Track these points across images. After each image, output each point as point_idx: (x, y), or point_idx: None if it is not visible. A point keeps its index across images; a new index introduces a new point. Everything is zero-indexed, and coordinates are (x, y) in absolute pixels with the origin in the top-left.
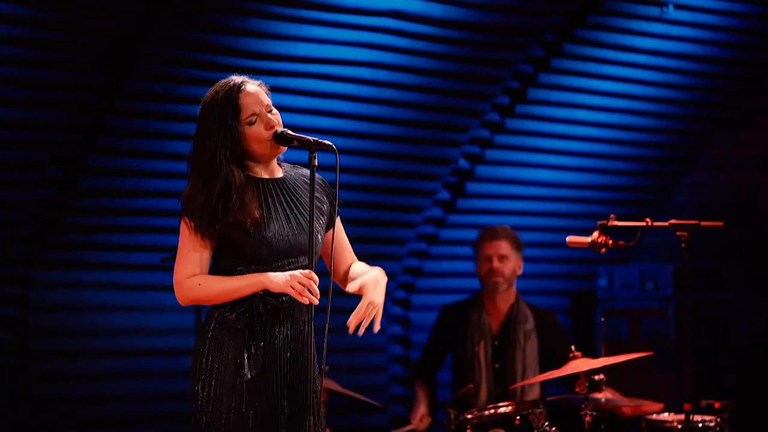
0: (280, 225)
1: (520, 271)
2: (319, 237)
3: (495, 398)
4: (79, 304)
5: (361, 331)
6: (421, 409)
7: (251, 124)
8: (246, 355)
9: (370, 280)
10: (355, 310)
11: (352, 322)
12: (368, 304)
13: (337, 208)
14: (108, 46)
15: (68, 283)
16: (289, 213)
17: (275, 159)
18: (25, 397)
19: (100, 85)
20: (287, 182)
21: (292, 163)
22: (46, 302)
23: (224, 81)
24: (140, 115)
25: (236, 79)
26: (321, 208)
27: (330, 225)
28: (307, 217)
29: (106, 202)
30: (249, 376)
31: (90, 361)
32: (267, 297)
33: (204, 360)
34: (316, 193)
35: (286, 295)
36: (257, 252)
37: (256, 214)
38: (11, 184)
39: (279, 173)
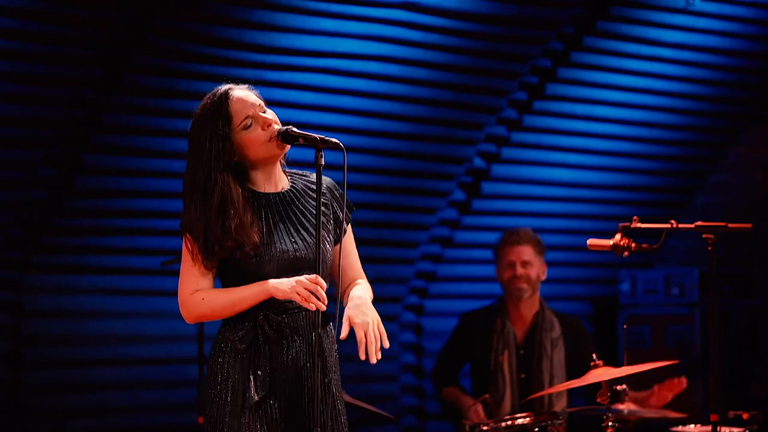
0: (283, 243)
1: (544, 276)
2: (328, 248)
3: (520, 410)
4: (75, 311)
5: (378, 355)
6: (470, 400)
7: (247, 128)
8: (252, 377)
9: (352, 312)
10: (358, 341)
11: (361, 352)
12: (365, 330)
13: (346, 214)
14: (104, 39)
15: (63, 288)
16: (292, 229)
17: (278, 167)
18: (18, 409)
19: (97, 80)
20: (291, 195)
21: (300, 171)
22: (40, 308)
23: (209, 94)
24: (139, 111)
25: (221, 87)
26: (328, 216)
27: (338, 237)
28: (305, 232)
29: (103, 203)
30: (256, 398)
31: (86, 371)
32: (271, 315)
33: (212, 386)
34: (324, 199)
35: (292, 311)
36: (261, 272)
37: (256, 237)
38: (2, 184)
39: (282, 184)
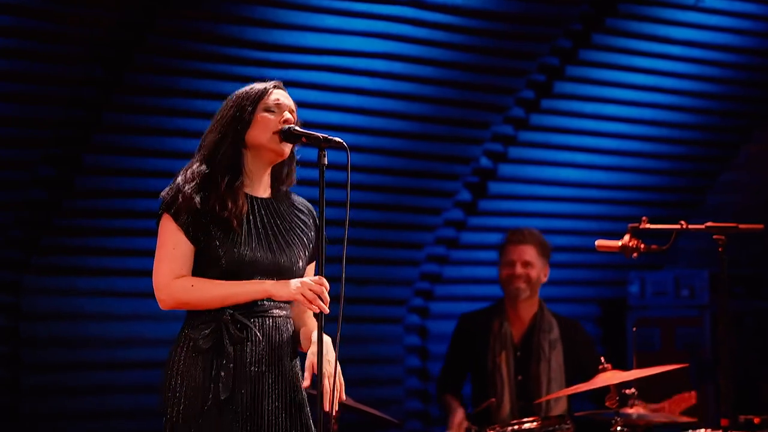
0: (257, 244)
1: (545, 279)
2: (300, 264)
3: (518, 413)
4: (74, 313)
5: (335, 406)
6: (459, 415)
7: (267, 110)
8: (215, 378)
9: (316, 359)
10: (322, 390)
11: (326, 403)
12: (329, 380)
13: (323, 246)
14: (104, 37)
15: (62, 289)
16: (270, 233)
17: (268, 177)
18: (17, 412)
19: (97, 78)
20: (274, 204)
21: (292, 193)
22: (39, 310)
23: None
24: (139, 110)
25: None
26: (308, 235)
27: (312, 256)
28: (282, 246)
29: (102, 203)
30: (220, 398)
31: (86, 374)
32: (237, 315)
33: (171, 386)
34: (304, 218)
35: (260, 314)
36: (232, 266)
37: (245, 208)
38: (2, 185)
39: (267, 193)
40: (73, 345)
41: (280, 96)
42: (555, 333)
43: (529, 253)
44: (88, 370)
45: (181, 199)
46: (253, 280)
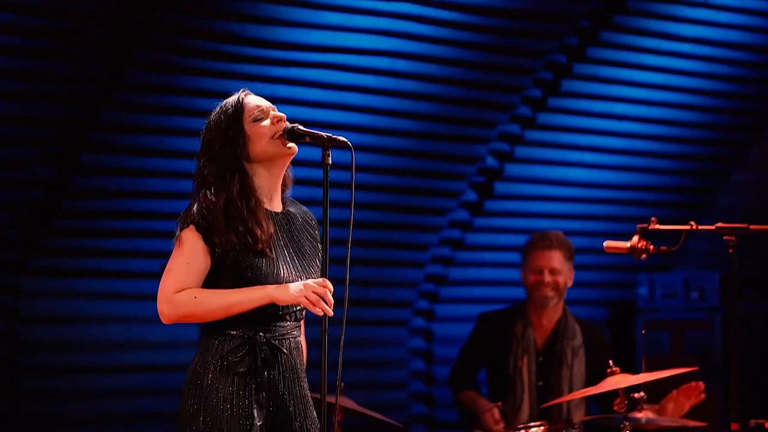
0: (285, 265)
1: (570, 283)
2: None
3: (538, 418)
4: (72, 315)
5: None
6: (495, 414)
7: (257, 120)
8: (253, 403)
9: None
10: None
11: None
12: None
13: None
14: (105, 35)
15: (60, 292)
16: (293, 253)
17: (280, 186)
18: (14, 416)
19: (97, 76)
20: (289, 219)
21: (291, 198)
22: (36, 313)
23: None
24: (140, 108)
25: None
26: (317, 246)
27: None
28: (305, 261)
29: (101, 203)
30: (258, 423)
31: (84, 377)
32: (269, 339)
33: (200, 412)
34: (311, 230)
35: (284, 335)
36: (261, 283)
37: (271, 228)
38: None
39: (280, 207)
40: (71, 348)
41: (256, 100)
42: (578, 339)
43: (557, 259)
44: (87, 373)
45: (212, 221)
46: (255, 286)
